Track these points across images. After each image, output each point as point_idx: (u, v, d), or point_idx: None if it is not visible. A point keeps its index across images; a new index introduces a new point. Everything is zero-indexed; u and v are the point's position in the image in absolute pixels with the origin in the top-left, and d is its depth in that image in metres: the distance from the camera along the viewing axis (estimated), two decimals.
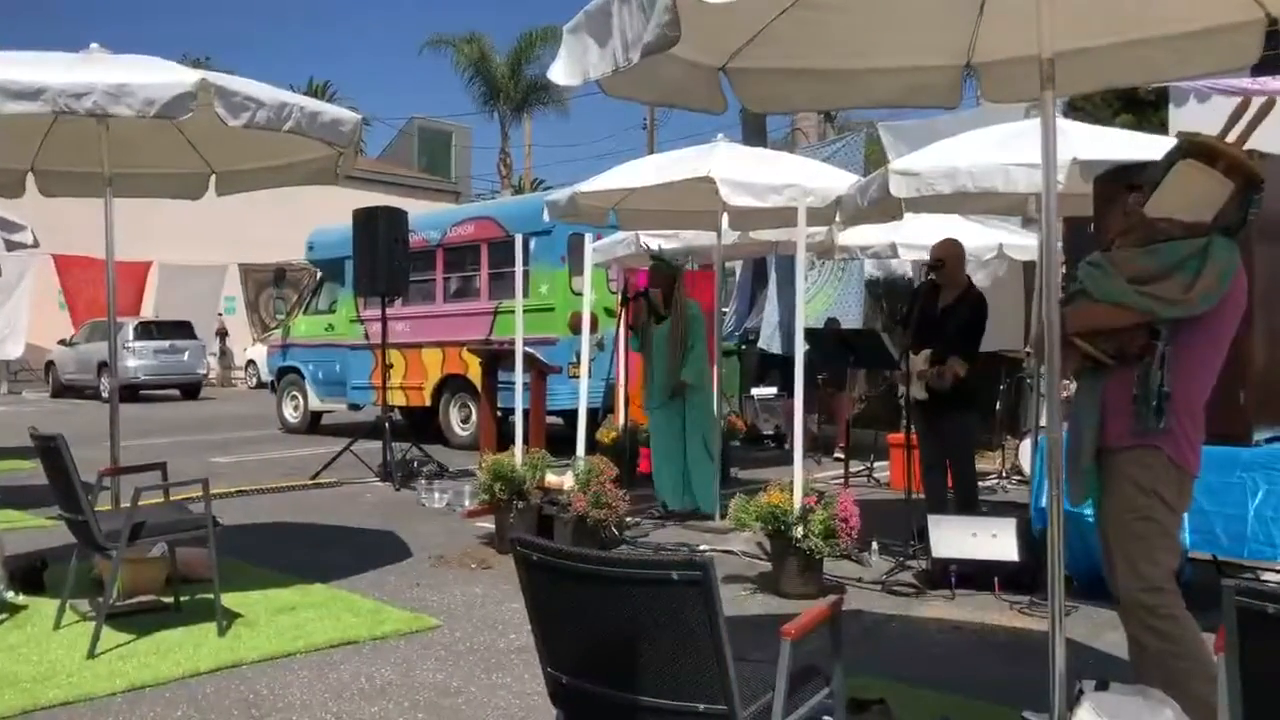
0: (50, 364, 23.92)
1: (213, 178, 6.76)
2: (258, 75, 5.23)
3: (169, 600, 5.11)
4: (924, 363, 6.20)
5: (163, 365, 22.24)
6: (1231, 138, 3.07)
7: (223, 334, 27.02)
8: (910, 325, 6.17)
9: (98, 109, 4.50)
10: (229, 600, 5.02)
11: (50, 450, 4.60)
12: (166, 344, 22.24)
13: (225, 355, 27.23)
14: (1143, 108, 18.76)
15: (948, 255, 6.32)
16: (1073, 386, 3.43)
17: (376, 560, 6.27)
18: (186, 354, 22.58)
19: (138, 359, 21.79)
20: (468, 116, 51.69)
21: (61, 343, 23.28)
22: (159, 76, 4.74)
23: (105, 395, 18.29)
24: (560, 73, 3.02)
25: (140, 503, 4.60)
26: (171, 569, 5.17)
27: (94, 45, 5.26)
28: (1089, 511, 3.86)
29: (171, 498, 5.46)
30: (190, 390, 23.02)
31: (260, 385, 23.67)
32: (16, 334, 15.73)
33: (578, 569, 2.32)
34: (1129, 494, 3.09)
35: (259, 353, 23.09)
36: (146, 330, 22.18)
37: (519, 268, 7.03)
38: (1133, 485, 3.08)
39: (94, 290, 19.12)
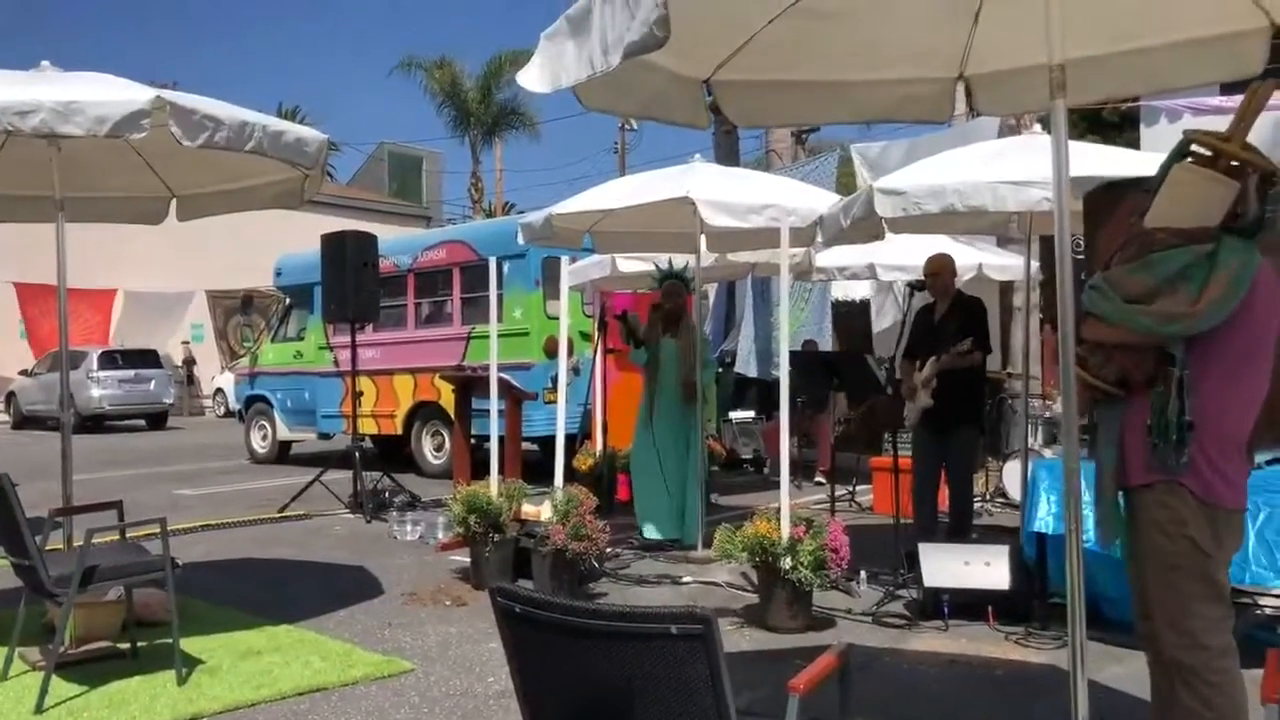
0: (11, 395, 23.36)
1: (173, 202, 6.52)
2: (226, 100, 4.98)
3: (125, 647, 4.83)
4: (930, 369, 6.09)
5: (128, 395, 21.74)
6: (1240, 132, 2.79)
7: (189, 362, 26.54)
8: (905, 342, 6.17)
9: (45, 127, 4.26)
10: (190, 645, 4.76)
11: None
12: (131, 373, 21.76)
13: (192, 383, 26.69)
14: (1106, 129, 18.82)
15: (941, 269, 6.31)
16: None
17: (346, 598, 6.01)
18: (152, 383, 22.09)
19: (102, 388, 21.31)
20: (438, 141, 51.54)
21: (23, 373, 22.78)
22: (111, 94, 4.51)
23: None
24: (533, 79, 2.82)
25: (95, 541, 4.34)
26: (128, 612, 4.89)
27: (44, 63, 5.03)
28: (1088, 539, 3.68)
29: (130, 536, 5.19)
30: (156, 420, 22.51)
31: (229, 414, 23.19)
32: None
33: (565, 622, 2.10)
34: (1154, 540, 2.76)
35: (227, 381, 22.66)
36: (111, 359, 21.73)
37: (493, 291, 6.82)
38: (1157, 529, 2.75)
39: (56, 319, 18.71)
